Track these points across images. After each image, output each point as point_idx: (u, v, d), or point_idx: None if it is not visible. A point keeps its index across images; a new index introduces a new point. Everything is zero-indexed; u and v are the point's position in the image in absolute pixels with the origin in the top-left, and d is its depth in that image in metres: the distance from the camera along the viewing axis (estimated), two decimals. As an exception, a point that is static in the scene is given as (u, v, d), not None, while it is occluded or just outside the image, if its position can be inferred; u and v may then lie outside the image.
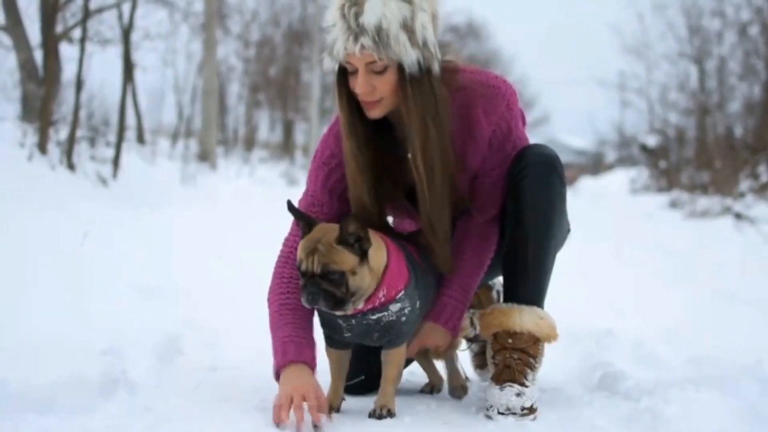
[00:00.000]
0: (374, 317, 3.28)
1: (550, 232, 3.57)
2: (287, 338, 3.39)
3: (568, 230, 3.93)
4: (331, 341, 3.48)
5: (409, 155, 3.43)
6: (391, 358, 3.41)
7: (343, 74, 3.41)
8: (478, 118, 3.52)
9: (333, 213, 3.59)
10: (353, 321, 3.30)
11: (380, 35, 3.22)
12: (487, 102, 3.52)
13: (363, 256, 3.18)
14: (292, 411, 3.16)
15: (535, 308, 3.59)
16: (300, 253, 3.18)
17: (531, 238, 3.55)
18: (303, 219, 3.30)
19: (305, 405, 3.17)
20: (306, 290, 3.14)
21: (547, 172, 3.53)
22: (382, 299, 3.26)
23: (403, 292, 3.30)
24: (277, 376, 3.38)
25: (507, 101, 3.54)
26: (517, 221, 3.56)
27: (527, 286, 3.61)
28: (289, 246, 3.60)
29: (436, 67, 3.37)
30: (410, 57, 3.28)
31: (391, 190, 3.60)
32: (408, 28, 3.26)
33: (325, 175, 3.62)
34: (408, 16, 3.26)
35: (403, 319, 3.33)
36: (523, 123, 3.82)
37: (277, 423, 3.15)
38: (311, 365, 3.38)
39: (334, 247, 3.15)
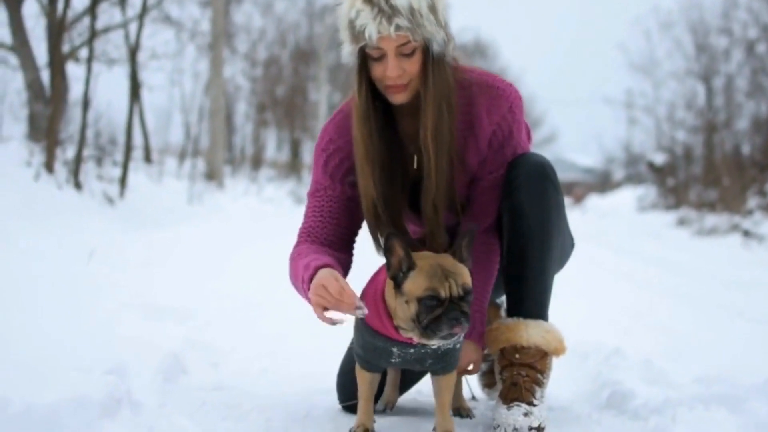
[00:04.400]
0: (435, 346, 3.17)
1: (548, 242, 3.52)
2: (306, 261, 3.32)
3: (572, 244, 3.89)
4: (369, 365, 3.33)
5: (420, 136, 3.42)
6: (446, 383, 3.29)
7: (363, 61, 3.40)
8: (480, 117, 3.51)
9: (336, 195, 3.60)
10: (411, 350, 3.18)
11: (414, 15, 3.23)
12: (491, 102, 3.51)
13: None
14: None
15: (541, 322, 3.56)
16: (428, 282, 3.00)
17: (529, 250, 3.51)
18: (404, 250, 3.08)
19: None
20: (448, 316, 2.96)
21: (540, 181, 3.49)
22: None
23: None
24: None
25: (510, 104, 3.52)
26: (513, 234, 3.52)
27: (530, 299, 3.57)
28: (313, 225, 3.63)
29: (451, 50, 3.41)
30: (439, 37, 3.31)
31: (398, 189, 3.57)
32: (433, 8, 3.29)
33: (323, 160, 3.63)
34: None
35: (458, 346, 3.26)
36: (529, 137, 3.81)
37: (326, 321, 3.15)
38: (334, 267, 3.25)
39: (459, 265, 3.08)
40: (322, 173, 3.63)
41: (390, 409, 3.80)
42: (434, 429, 3.30)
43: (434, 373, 3.30)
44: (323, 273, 3.15)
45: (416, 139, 3.50)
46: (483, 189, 3.59)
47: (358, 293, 3.16)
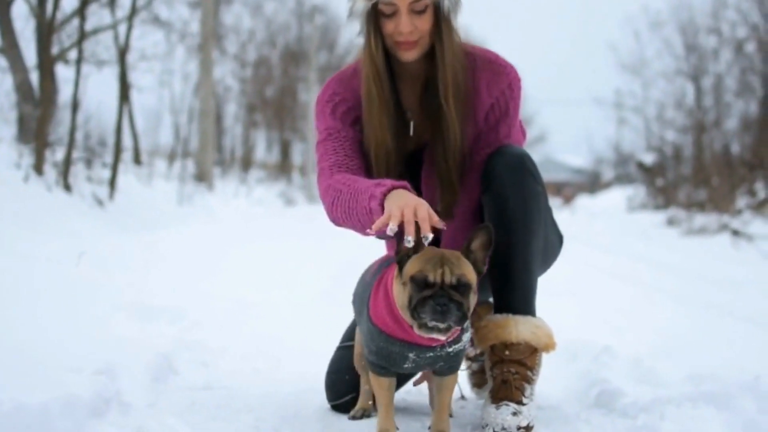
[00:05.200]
0: (450, 349, 3.15)
1: (531, 234, 3.52)
2: (376, 181, 3.26)
3: (561, 241, 3.90)
4: (384, 371, 3.27)
5: (440, 88, 3.49)
6: (449, 384, 3.29)
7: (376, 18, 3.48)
8: (480, 90, 3.58)
9: (350, 137, 3.61)
10: (429, 354, 3.14)
11: None
12: (491, 76, 3.59)
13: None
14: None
15: (530, 317, 3.56)
16: (422, 266, 2.97)
17: (512, 243, 3.50)
18: (416, 233, 3.03)
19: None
20: (433, 301, 2.92)
21: (519, 171, 3.50)
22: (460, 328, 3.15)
23: (468, 320, 3.23)
24: (381, 210, 3.16)
25: (510, 81, 3.60)
26: (495, 224, 3.44)
27: (517, 294, 3.56)
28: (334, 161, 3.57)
29: (458, 13, 3.52)
30: None
31: (400, 156, 3.63)
32: None
33: (331, 109, 3.67)
34: None
35: (465, 347, 3.24)
36: (524, 135, 3.91)
37: (375, 233, 3.09)
38: (412, 191, 3.20)
39: (462, 259, 3.03)
40: (332, 119, 3.66)
41: (368, 416, 3.73)
42: (429, 428, 3.30)
43: (439, 374, 3.28)
44: (415, 198, 3.07)
45: (415, 105, 3.65)
46: (476, 165, 3.61)
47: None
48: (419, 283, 2.95)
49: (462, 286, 2.97)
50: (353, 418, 3.65)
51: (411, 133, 3.65)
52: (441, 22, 3.45)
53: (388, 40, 3.48)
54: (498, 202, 3.50)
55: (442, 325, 2.95)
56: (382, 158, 3.56)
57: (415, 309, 2.95)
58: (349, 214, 3.34)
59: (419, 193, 3.66)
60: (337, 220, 3.46)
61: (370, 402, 3.67)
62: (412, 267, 2.99)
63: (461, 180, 3.63)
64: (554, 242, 3.81)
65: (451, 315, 2.93)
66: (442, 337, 3.03)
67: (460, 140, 3.53)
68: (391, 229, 2.95)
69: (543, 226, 3.58)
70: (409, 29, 3.39)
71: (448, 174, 3.56)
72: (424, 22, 3.42)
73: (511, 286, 3.56)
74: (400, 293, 3.02)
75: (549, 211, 3.69)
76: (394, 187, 3.16)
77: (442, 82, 3.48)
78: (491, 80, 3.58)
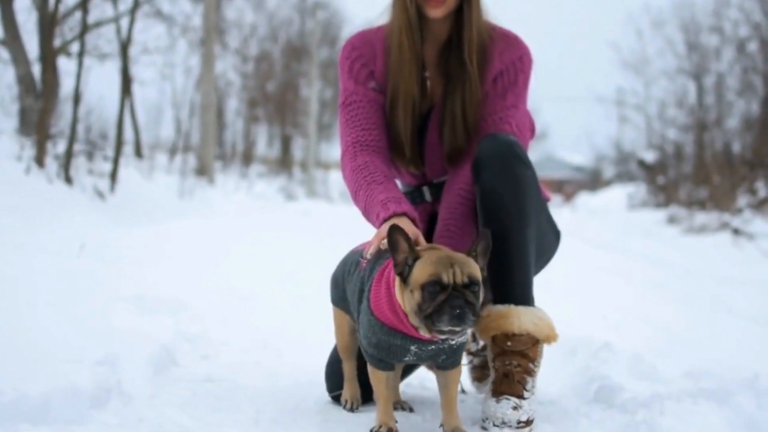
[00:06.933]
0: (453, 342, 3.13)
1: (525, 220, 3.51)
2: (384, 197, 3.43)
3: (558, 237, 3.91)
4: (383, 365, 3.26)
5: (464, 39, 3.66)
6: (454, 377, 3.26)
7: None
8: (492, 56, 3.73)
9: (363, 100, 3.76)
10: (431, 347, 3.13)
11: None
12: (505, 46, 3.75)
13: None
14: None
15: (531, 308, 3.56)
16: (433, 269, 2.94)
17: (506, 230, 3.48)
18: (408, 244, 3.03)
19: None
20: (449, 305, 2.89)
21: (508, 159, 3.52)
22: None
23: None
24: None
25: (522, 54, 3.77)
26: (489, 215, 3.52)
27: (516, 284, 3.56)
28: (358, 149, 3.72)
29: None
30: None
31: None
32: None
33: (348, 66, 3.82)
34: None
35: (467, 339, 3.23)
36: (532, 132, 4.02)
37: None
38: (412, 216, 3.38)
39: (470, 259, 3.03)
40: (348, 78, 3.81)
41: (356, 407, 3.71)
42: (441, 426, 3.28)
43: (443, 368, 3.25)
44: (408, 223, 3.32)
45: (432, 66, 3.79)
46: (480, 131, 3.72)
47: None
48: (432, 289, 2.93)
49: (473, 285, 2.95)
50: (350, 410, 3.65)
51: (428, 90, 3.80)
52: None
53: None
54: (488, 190, 3.50)
55: (458, 329, 2.94)
56: (408, 110, 3.72)
57: (429, 317, 2.93)
58: (365, 213, 3.58)
59: (422, 160, 3.87)
60: (357, 208, 3.65)
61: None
62: (421, 273, 2.97)
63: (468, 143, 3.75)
64: (550, 236, 3.82)
65: (467, 318, 2.91)
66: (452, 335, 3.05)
67: (478, 97, 3.68)
68: (370, 253, 3.27)
69: (535, 211, 3.58)
70: None
71: (464, 123, 3.71)
72: None
73: (508, 279, 3.55)
74: (409, 300, 2.99)
75: (543, 203, 3.72)
76: (395, 214, 3.35)
77: (468, 41, 3.64)
78: (504, 49, 3.74)
